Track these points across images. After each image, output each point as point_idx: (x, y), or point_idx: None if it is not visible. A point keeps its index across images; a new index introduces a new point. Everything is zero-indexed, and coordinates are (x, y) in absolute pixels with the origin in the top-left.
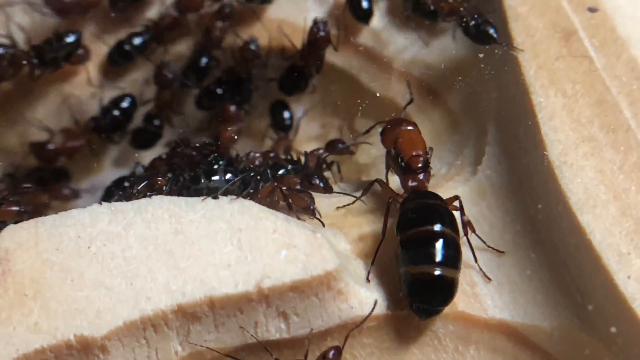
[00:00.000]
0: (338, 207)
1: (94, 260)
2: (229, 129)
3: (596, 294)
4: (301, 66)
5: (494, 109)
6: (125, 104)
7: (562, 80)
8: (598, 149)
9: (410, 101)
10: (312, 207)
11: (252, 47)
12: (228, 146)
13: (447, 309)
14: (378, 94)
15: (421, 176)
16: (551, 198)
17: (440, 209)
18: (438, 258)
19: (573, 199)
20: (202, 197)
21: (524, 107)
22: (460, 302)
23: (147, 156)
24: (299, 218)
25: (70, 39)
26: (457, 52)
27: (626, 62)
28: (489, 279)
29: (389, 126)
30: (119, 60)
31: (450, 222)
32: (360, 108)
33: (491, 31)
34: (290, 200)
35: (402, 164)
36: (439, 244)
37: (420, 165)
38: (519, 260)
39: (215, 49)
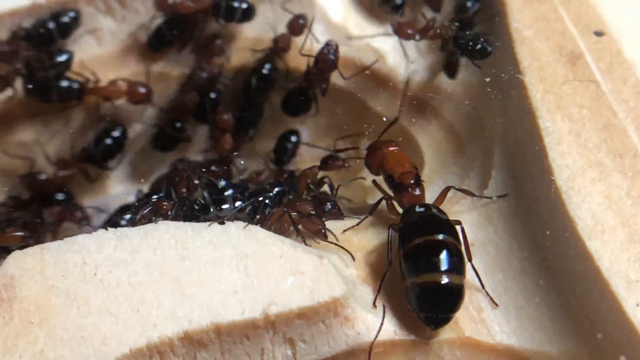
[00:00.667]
0: (344, 230)
1: (99, 286)
2: (227, 137)
3: (604, 321)
4: (305, 88)
5: (500, 133)
6: (116, 133)
7: (568, 104)
8: (605, 174)
9: (395, 120)
10: (323, 231)
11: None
12: (227, 155)
13: (454, 335)
14: (385, 119)
15: (417, 191)
16: (558, 224)
17: (440, 219)
18: (443, 265)
19: (581, 224)
20: (208, 223)
21: (530, 132)
22: (468, 327)
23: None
24: (305, 243)
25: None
26: (463, 75)
27: (633, 86)
28: (496, 304)
29: (369, 154)
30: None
31: (450, 230)
32: (367, 133)
33: (484, 45)
34: (299, 226)
35: (395, 183)
36: (442, 252)
37: (412, 181)
38: (527, 285)
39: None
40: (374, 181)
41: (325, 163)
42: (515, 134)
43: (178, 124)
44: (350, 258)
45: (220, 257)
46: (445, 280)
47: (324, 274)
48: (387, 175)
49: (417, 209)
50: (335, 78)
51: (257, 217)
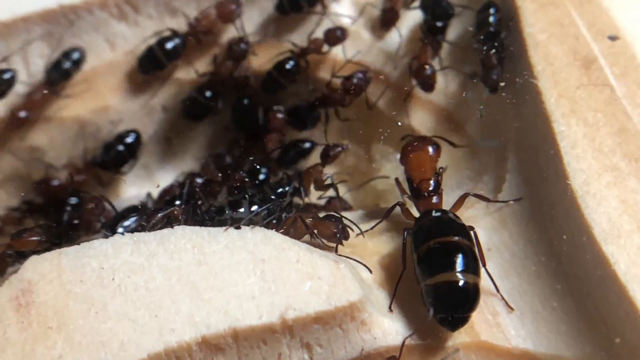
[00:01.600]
0: (358, 234)
1: (117, 291)
2: (274, 136)
3: (622, 325)
4: (317, 104)
5: (515, 137)
6: (129, 139)
7: (583, 108)
8: (621, 178)
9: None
10: (339, 235)
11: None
12: (272, 151)
13: (469, 339)
14: (400, 123)
15: (434, 199)
16: (574, 228)
17: (454, 222)
18: (458, 266)
19: (597, 229)
20: (224, 227)
21: (545, 136)
22: (483, 331)
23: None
24: (321, 248)
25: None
26: (478, 80)
27: None
28: (512, 309)
29: (407, 146)
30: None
31: (465, 233)
32: (382, 138)
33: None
34: (315, 231)
35: (413, 188)
36: (456, 253)
37: (430, 189)
38: (543, 290)
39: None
40: (396, 179)
41: (326, 156)
42: (529, 138)
43: (208, 93)
44: (366, 262)
45: (237, 261)
46: (460, 279)
47: (341, 278)
48: (407, 177)
49: (433, 213)
50: None
51: (273, 221)
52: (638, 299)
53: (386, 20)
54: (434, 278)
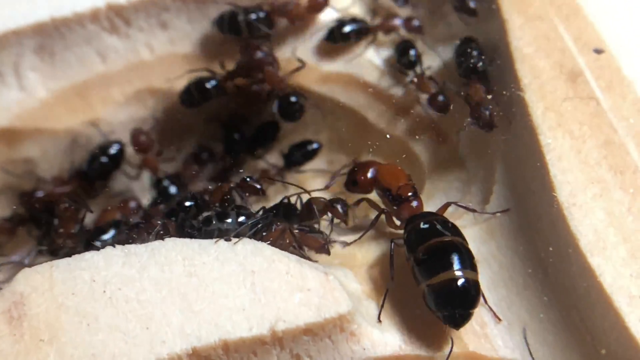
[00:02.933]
0: (345, 245)
1: (108, 304)
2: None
3: (608, 337)
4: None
5: (502, 150)
6: (113, 151)
7: (569, 121)
8: (607, 190)
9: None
10: (326, 246)
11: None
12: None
13: (457, 349)
14: (388, 135)
15: (416, 202)
16: (561, 240)
17: (444, 222)
18: (456, 263)
19: (583, 240)
20: (214, 240)
21: (532, 148)
22: (471, 342)
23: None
24: (309, 258)
25: None
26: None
27: (632, 103)
28: (500, 319)
29: (356, 173)
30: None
31: (457, 231)
32: (370, 150)
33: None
34: (300, 243)
35: (393, 197)
36: (452, 251)
37: (410, 193)
38: (530, 301)
39: None
40: (367, 199)
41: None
42: (516, 151)
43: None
44: (355, 273)
45: (228, 273)
46: (460, 276)
47: (330, 290)
48: (383, 190)
49: (419, 217)
50: (338, 94)
51: (264, 233)
52: (623, 310)
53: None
54: (434, 278)
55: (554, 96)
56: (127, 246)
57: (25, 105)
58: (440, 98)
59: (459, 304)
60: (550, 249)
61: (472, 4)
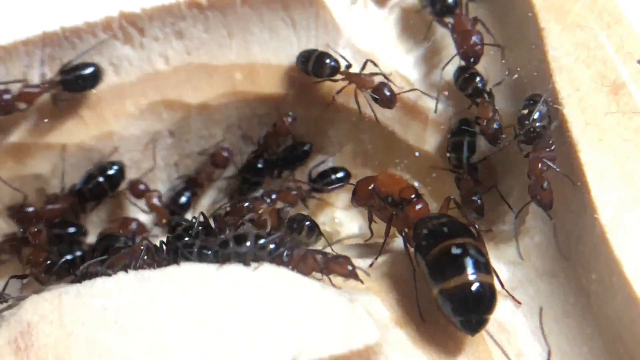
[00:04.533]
0: (370, 266)
1: (121, 332)
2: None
3: None
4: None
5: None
6: (111, 171)
7: (611, 137)
8: None
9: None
10: (351, 270)
11: None
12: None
13: None
14: (417, 153)
15: (421, 204)
16: (603, 266)
17: (454, 223)
18: (469, 267)
19: (628, 267)
20: (233, 264)
21: (571, 166)
22: None
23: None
24: (334, 285)
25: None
26: (499, 106)
27: None
28: (519, 303)
29: (358, 188)
30: None
31: (468, 232)
32: (398, 167)
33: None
34: (324, 267)
35: (397, 202)
36: (465, 254)
37: (413, 194)
38: (570, 330)
39: None
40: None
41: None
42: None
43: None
44: (381, 299)
45: (246, 300)
46: (474, 280)
47: (356, 319)
48: (384, 198)
49: (427, 220)
50: (362, 105)
51: (284, 257)
52: None
53: None
54: (447, 283)
55: (595, 110)
56: (141, 271)
57: (35, 119)
58: (495, 126)
59: (474, 309)
60: (593, 276)
61: None
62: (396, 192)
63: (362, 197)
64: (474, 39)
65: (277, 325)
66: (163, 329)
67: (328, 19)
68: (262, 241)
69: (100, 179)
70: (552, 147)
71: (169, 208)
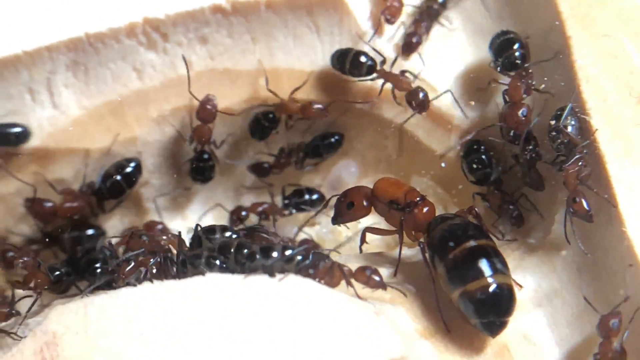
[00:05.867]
0: (394, 275)
1: (146, 345)
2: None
3: None
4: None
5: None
6: (128, 169)
7: (638, 149)
8: None
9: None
10: (380, 281)
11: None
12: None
13: None
14: (443, 164)
15: (428, 205)
16: (632, 281)
17: (468, 224)
18: (487, 270)
19: None
20: (258, 275)
21: (598, 178)
22: None
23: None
24: (359, 296)
25: None
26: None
27: None
28: (520, 286)
29: (348, 198)
30: None
31: (482, 232)
32: (424, 178)
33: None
34: (349, 279)
35: (403, 206)
36: (482, 257)
37: (418, 197)
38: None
39: None
40: (369, 228)
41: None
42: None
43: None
44: (406, 309)
45: (272, 312)
46: (493, 280)
47: (381, 332)
48: (388, 204)
49: (439, 221)
50: (385, 110)
51: (310, 270)
52: None
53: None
54: (468, 286)
55: (622, 121)
56: (166, 282)
57: (58, 124)
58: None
59: (495, 311)
60: (621, 292)
61: None
62: (401, 196)
63: (358, 209)
64: (520, 113)
65: (302, 338)
66: (188, 341)
67: (352, 24)
68: (288, 253)
69: (118, 177)
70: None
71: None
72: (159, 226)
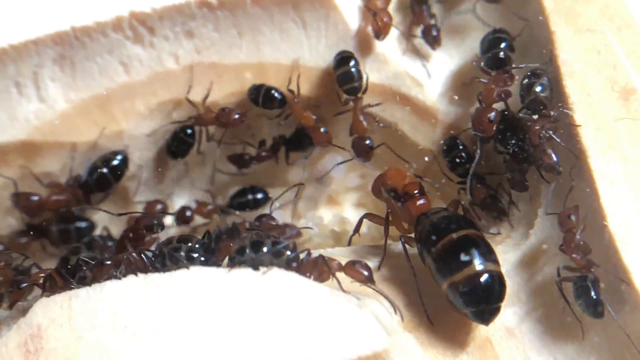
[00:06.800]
0: (378, 268)
1: (130, 337)
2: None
3: None
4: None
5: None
6: (115, 162)
7: (622, 144)
8: None
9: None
10: (369, 276)
11: None
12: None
13: None
14: (427, 158)
15: (424, 200)
16: (612, 274)
17: (455, 216)
18: (476, 258)
19: (637, 275)
20: (242, 269)
21: (580, 172)
22: None
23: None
24: (344, 290)
25: None
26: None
27: None
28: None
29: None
30: None
31: (470, 223)
32: (409, 172)
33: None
34: (334, 272)
35: (400, 196)
36: (471, 245)
37: (416, 190)
38: (578, 338)
39: None
40: (368, 214)
41: None
42: (563, 174)
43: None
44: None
45: (256, 305)
46: (482, 269)
47: (365, 325)
48: (390, 191)
49: (428, 214)
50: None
51: (293, 264)
52: None
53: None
54: (457, 276)
55: (605, 116)
56: (149, 275)
57: (45, 118)
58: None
59: (486, 298)
60: (602, 285)
61: None
62: (400, 186)
63: (375, 190)
64: (488, 117)
65: (285, 331)
66: (172, 333)
67: (338, 19)
68: (278, 247)
69: (105, 170)
70: (554, 117)
71: None
72: (159, 206)
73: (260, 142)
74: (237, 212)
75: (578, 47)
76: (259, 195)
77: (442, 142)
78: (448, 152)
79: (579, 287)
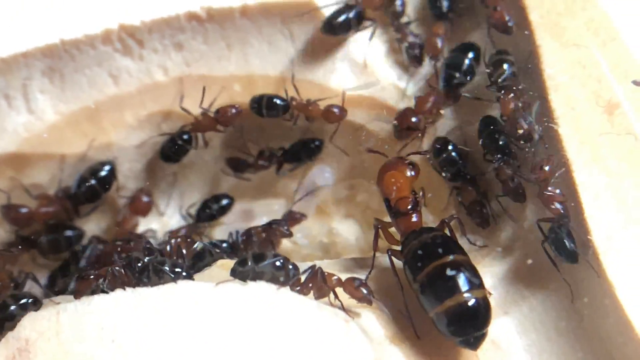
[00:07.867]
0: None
1: (118, 351)
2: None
3: None
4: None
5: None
6: (103, 172)
7: (605, 157)
8: None
9: None
10: (368, 296)
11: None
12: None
13: None
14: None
15: (414, 217)
16: (597, 288)
17: (443, 239)
18: (462, 286)
19: (620, 289)
20: (229, 282)
21: (565, 186)
22: None
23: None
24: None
25: None
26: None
27: None
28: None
29: (383, 167)
30: None
31: (457, 247)
32: None
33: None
34: (334, 290)
35: (392, 209)
36: (457, 273)
37: (409, 207)
38: (562, 349)
39: None
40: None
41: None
42: None
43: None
44: (377, 315)
45: (243, 319)
46: (469, 298)
47: (351, 339)
48: (384, 199)
49: (416, 235)
50: (359, 118)
51: (290, 279)
52: None
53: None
54: (442, 305)
55: (590, 129)
56: (138, 289)
57: (34, 129)
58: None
59: (473, 327)
60: (585, 299)
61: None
62: (394, 199)
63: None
64: (413, 120)
65: (271, 345)
66: (160, 347)
67: None
68: (279, 262)
69: (92, 181)
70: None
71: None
72: (145, 198)
73: (259, 151)
74: (207, 224)
75: (563, 61)
76: (224, 202)
77: (432, 141)
78: (439, 153)
79: (554, 230)
